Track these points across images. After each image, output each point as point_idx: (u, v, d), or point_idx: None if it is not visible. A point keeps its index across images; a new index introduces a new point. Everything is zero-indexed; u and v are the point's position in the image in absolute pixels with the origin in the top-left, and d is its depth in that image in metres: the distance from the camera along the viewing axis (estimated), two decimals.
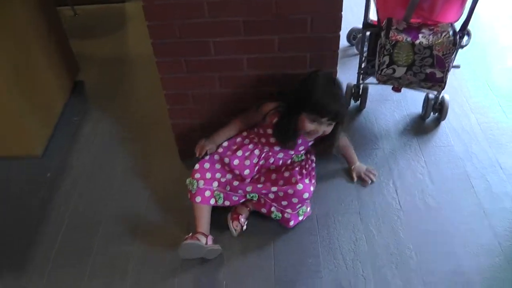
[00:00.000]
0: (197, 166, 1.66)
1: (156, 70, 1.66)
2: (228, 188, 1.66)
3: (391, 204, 1.76)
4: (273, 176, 1.69)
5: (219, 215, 1.68)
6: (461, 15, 1.80)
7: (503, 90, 2.29)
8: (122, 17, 3.16)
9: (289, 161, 1.73)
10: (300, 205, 1.62)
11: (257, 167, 1.70)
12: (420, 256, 1.57)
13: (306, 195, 1.59)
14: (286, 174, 1.67)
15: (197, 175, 1.64)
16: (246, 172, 1.67)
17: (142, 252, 1.64)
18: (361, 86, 2.14)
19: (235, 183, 1.65)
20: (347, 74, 2.28)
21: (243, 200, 1.68)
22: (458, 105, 2.20)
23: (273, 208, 1.64)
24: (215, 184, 1.65)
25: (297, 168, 1.68)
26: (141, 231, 1.72)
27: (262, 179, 1.69)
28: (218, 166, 1.68)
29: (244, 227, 1.67)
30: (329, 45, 1.59)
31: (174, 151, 1.98)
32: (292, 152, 1.71)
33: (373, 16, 1.94)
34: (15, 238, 1.72)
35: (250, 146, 1.70)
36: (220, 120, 1.75)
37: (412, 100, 2.23)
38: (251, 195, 1.65)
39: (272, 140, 1.67)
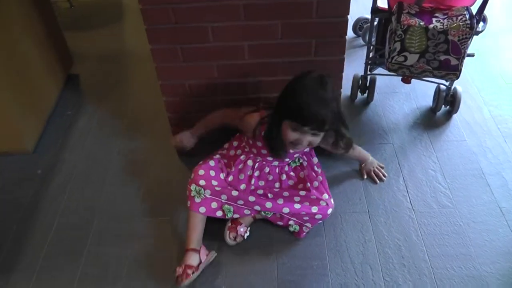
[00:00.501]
0: (201, 171, 1.52)
1: (152, 62, 1.56)
2: (241, 202, 1.53)
3: (401, 202, 1.66)
4: (285, 193, 1.57)
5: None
6: None
7: None
8: (119, 9, 3.07)
9: (286, 168, 1.62)
10: (322, 220, 1.54)
11: (253, 180, 1.57)
12: (433, 259, 1.48)
13: (330, 211, 1.52)
14: (302, 193, 1.55)
15: (202, 182, 1.50)
16: (242, 186, 1.55)
17: (136, 254, 1.55)
18: (369, 77, 2.04)
19: (251, 198, 1.52)
20: (352, 65, 2.20)
21: (253, 213, 1.56)
22: (470, 97, 2.11)
23: (291, 222, 1.54)
24: (224, 197, 1.52)
25: (312, 184, 1.57)
26: (135, 231, 1.62)
27: (270, 195, 1.56)
28: (222, 176, 1.56)
29: (246, 235, 1.55)
30: (336, 31, 1.48)
31: (171, 148, 1.88)
32: (288, 159, 1.60)
33: (381, 3, 1.84)
34: (3, 238, 1.63)
35: (242, 157, 1.59)
36: None
37: (422, 92, 2.14)
38: (266, 213, 1.54)
39: (263, 151, 1.55)
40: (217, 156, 1.61)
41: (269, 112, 1.46)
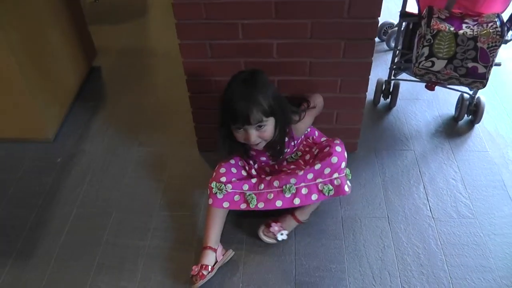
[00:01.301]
0: (223, 169, 1.51)
1: (176, 58, 1.57)
2: (262, 186, 1.50)
3: (421, 210, 1.64)
4: (292, 166, 1.57)
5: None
6: (507, 5, 1.67)
7: None
8: (143, 4, 3.09)
9: (284, 162, 1.60)
10: (342, 162, 1.48)
11: (262, 176, 1.58)
12: (453, 269, 1.46)
13: (338, 148, 1.48)
14: (307, 157, 1.56)
15: (223, 179, 1.49)
16: (253, 180, 1.53)
17: (153, 247, 1.55)
18: (392, 82, 2.03)
19: (268, 177, 1.51)
20: (376, 69, 2.19)
21: (281, 202, 1.47)
22: (493, 107, 2.09)
23: (320, 185, 1.47)
24: (246, 186, 1.50)
25: (316, 155, 1.55)
26: (153, 225, 1.62)
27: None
28: (244, 172, 1.56)
29: (280, 236, 1.51)
30: (366, 32, 1.46)
31: (192, 142, 1.89)
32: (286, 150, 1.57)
33: (409, 8, 1.83)
34: (21, 225, 1.64)
35: (240, 163, 1.58)
36: None
37: (444, 101, 2.12)
38: (287, 186, 1.47)
39: (262, 157, 1.56)
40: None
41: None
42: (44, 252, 1.54)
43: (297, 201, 1.47)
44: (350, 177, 1.53)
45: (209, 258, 1.43)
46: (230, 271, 1.46)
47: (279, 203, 1.47)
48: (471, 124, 2.00)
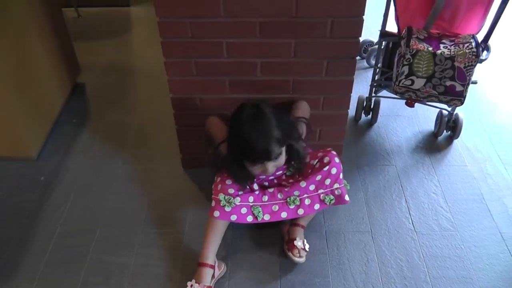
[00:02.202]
0: (229, 181, 1.50)
1: (160, 75, 1.58)
2: (265, 198, 1.52)
3: (404, 224, 1.67)
4: (290, 180, 1.60)
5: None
6: (482, 27, 1.74)
7: None
8: (126, 21, 3.11)
9: (283, 177, 1.62)
10: (340, 173, 1.53)
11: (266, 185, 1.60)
12: (435, 281, 1.49)
13: (336, 159, 1.54)
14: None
15: (231, 190, 1.48)
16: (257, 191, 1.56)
17: (139, 265, 1.54)
18: (373, 99, 2.08)
19: (271, 189, 1.54)
20: (357, 87, 2.24)
21: (286, 213, 1.51)
22: (470, 123, 2.15)
23: (322, 196, 1.53)
24: (251, 198, 1.51)
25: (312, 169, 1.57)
26: (138, 241, 1.62)
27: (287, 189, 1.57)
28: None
29: (307, 246, 1.53)
30: (347, 52, 1.51)
31: (176, 159, 1.89)
32: (280, 172, 1.60)
33: (388, 27, 1.88)
34: (3, 243, 1.62)
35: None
36: None
37: (424, 117, 2.18)
38: (291, 198, 1.52)
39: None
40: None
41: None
42: (28, 271, 1.52)
43: (301, 212, 1.52)
44: (348, 187, 1.59)
45: (209, 277, 1.42)
46: (216, 287, 1.46)
47: (284, 215, 1.52)
48: (450, 140, 2.05)
